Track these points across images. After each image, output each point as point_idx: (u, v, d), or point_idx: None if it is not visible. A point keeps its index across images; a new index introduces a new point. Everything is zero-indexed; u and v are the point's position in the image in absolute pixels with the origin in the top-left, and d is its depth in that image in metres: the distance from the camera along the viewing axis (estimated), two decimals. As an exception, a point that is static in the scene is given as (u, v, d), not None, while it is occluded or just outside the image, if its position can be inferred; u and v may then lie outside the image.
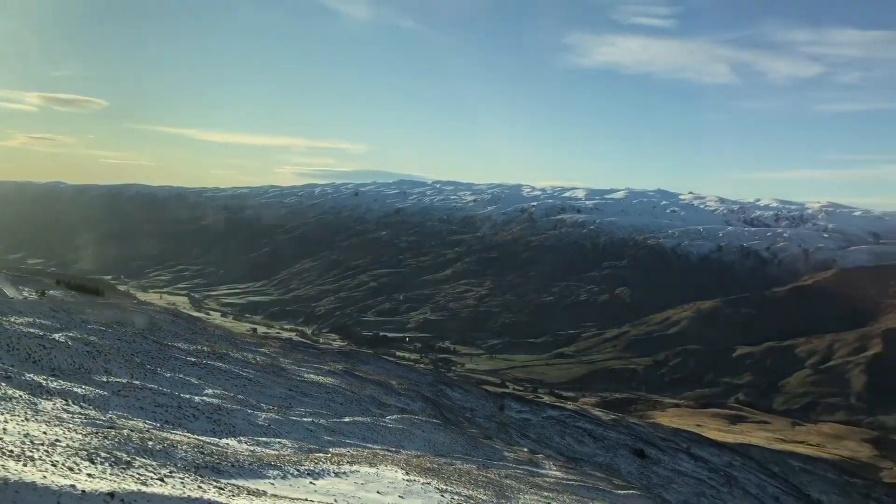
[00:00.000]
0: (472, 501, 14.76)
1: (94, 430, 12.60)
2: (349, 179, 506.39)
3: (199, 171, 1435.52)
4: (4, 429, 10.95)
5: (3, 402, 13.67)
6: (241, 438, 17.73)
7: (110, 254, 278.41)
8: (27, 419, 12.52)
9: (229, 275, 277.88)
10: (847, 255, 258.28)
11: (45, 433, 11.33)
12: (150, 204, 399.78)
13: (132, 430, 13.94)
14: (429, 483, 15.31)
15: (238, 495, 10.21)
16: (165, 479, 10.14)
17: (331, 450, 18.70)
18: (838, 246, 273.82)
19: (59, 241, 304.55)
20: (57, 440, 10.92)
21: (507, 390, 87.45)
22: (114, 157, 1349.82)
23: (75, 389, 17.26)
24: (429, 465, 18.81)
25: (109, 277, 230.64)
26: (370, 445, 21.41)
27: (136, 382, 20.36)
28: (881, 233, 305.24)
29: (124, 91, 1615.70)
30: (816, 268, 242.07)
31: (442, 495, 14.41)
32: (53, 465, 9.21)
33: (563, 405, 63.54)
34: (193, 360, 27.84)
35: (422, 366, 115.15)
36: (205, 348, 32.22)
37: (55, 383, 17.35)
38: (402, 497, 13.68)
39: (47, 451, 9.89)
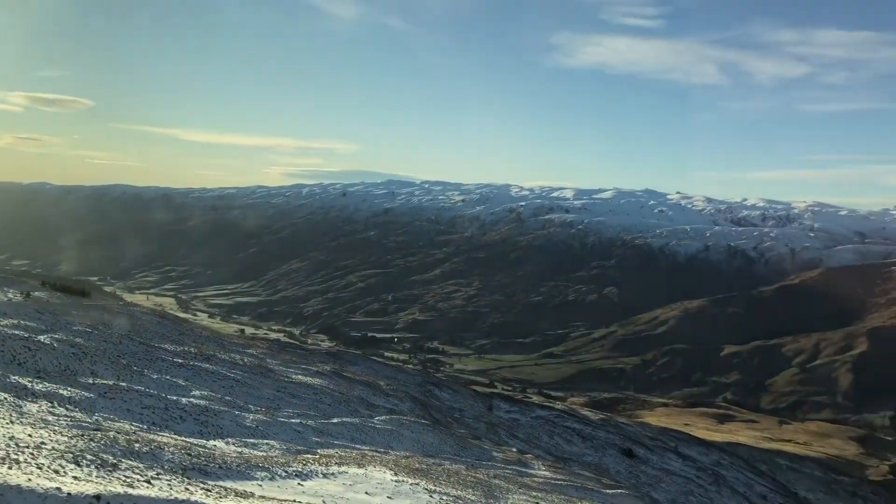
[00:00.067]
0: (460, 502, 14.75)
1: (80, 433, 12.51)
2: (337, 180, 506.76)
3: (186, 171, 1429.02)
4: (-11, 431, 10.86)
5: (-13, 405, 13.54)
6: (229, 440, 17.64)
7: (96, 255, 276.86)
8: (12, 422, 12.42)
9: (216, 276, 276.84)
10: (833, 255, 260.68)
11: (30, 436, 11.24)
12: (136, 204, 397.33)
13: (118, 433, 13.84)
14: (417, 484, 15.30)
15: (226, 497, 10.15)
16: (152, 482, 10.07)
17: (319, 451, 18.65)
18: (824, 245, 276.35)
19: (44, 242, 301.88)
20: (42, 443, 10.84)
21: (495, 390, 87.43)
22: (100, 158, 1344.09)
23: (61, 391, 17.13)
24: (417, 465, 18.79)
25: (95, 279, 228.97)
26: (358, 446, 21.36)
27: (123, 384, 20.23)
28: (867, 232, 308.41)
29: (110, 91, 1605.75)
30: (803, 267, 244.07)
31: (430, 496, 14.40)
32: (39, 468, 9.14)
33: (551, 405, 63.58)
34: (180, 361, 27.68)
35: (410, 366, 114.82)
36: (192, 350, 32.02)
37: (40, 385, 17.20)
38: (390, 498, 13.66)
39: (32, 454, 9.82)
